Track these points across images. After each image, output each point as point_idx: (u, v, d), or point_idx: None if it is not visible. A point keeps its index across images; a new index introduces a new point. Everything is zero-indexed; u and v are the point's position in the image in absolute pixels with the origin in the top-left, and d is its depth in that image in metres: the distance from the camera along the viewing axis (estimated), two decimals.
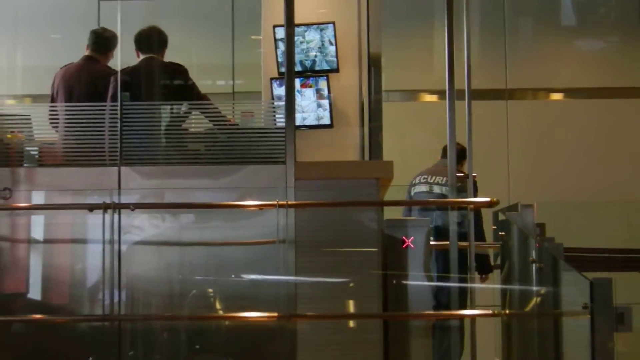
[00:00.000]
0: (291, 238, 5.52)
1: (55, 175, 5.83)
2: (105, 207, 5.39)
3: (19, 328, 5.79)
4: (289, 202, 5.49)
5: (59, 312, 5.68)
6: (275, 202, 5.43)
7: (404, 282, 5.69)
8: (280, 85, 6.99)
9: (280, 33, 6.84)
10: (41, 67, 8.59)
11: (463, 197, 5.59)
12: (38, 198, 5.82)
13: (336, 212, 5.69)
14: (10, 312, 5.67)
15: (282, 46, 6.86)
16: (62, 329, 5.74)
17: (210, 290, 5.75)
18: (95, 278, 5.63)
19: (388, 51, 9.60)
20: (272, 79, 7.19)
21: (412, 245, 5.68)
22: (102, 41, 6.70)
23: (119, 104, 5.91)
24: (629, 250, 7.26)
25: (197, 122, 6.27)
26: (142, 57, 6.41)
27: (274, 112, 6.35)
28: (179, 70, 6.39)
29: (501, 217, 5.26)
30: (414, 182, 7.23)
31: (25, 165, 5.91)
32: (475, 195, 5.87)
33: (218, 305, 5.68)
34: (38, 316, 5.70)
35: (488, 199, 5.29)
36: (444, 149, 7.13)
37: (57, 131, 6.20)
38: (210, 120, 6.23)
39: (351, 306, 5.61)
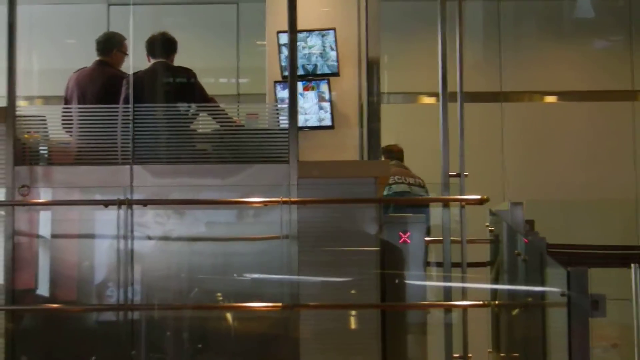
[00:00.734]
0: (294, 233, 5.61)
1: (70, 173, 5.90)
2: (119, 203, 5.50)
3: (38, 319, 5.93)
4: (292, 199, 5.59)
5: (75, 303, 5.81)
6: (279, 199, 5.54)
7: (401, 275, 5.83)
8: (283, 88, 7.11)
9: (284, 39, 6.98)
10: (52, 69, 8.73)
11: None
12: (54, 195, 5.89)
13: (336, 209, 5.76)
14: (28, 303, 5.79)
15: (285, 51, 7.03)
16: (78, 318, 5.86)
17: (218, 282, 5.82)
18: (109, 270, 5.75)
19: (389, 55, 9.61)
20: (275, 82, 7.32)
21: (409, 240, 5.82)
22: (103, 43, 6.80)
23: (131, 105, 5.99)
24: (620, 247, 7.36)
25: (204, 123, 6.35)
26: (152, 61, 6.51)
27: (278, 113, 6.43)
28: (187, 74, 6.45)
29: (491, 214, 5.47)
30: (391, 181, 7.33)
31: (41, 164, 5.98)
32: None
33: (225, 296, 5.77)
34: (54, 305, 5.80)
35: (479, 197, 5.41)
36: (386, 151, 7.31)
37: (67, 132, 6.26)
38: (217, 122, 6.30)
39: (351, 297, 5.70)
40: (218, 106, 6.46)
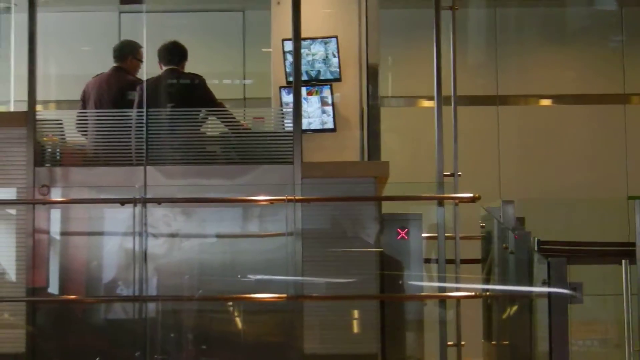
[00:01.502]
0: (299, 229, 5.79)
1: (87, 174, 6.07)
2: (135, 201, 5.68)
3: (55, 310, 6.09)
4: (297, 198, 5.79)
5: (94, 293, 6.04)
6: (284, 198, 5.73)
7: (399, 268, 5.98)
8: (288, 93, 7.12)
9: (289, 46, 6.99)
10: (64, 75, 8.87)
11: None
12: (72, 194, 6.05)
13: (338, 207, 5.94)
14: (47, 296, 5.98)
15: (290, 58, 7.04)
16: (93, 310, 6.05)
17: (227, 275, 5.95)
18: (124, 264, 5.94)
19: (390, 61, 9.64)
20: (281, 87, 7.35)
21: (406, 237, 5.99)
22: (119, 50, 6.94)
23: (144, 110, 6.15)
24: (612, 243, 7.56)
25: (213, 127, 6.47)
26: (164, 68, 6.66)
27: (283, 117, 6.54)
28: (197, 80, 6.61)
29: (483, 211, 5.68)
30: None
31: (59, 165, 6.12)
32: None
33: (234, 288, 5.91)
34: (72, 297, 6.02)
35: (471, 195, 5.59)
36: None
37: (82, 134, 6.40)
38: (225, 125, 6.43)
39: (351, 289, 5.85)
40: (226, 110, 6.58)
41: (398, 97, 9.92)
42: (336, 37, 7.28)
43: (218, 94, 6.76)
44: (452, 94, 5.95)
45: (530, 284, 4.78)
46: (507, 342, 5.36)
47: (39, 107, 6.42)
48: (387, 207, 6.35)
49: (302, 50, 6.71)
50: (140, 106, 6.31)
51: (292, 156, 6.00)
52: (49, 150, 6.19)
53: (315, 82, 7.35)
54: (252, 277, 5.87)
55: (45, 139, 6.20)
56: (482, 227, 5.81)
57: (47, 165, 6.11)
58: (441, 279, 5.79)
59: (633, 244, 5.61)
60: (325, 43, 7.31)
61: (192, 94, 6.60)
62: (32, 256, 5.95)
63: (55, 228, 6.10)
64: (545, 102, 10.16)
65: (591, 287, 6.51)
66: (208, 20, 9.71)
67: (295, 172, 5.97)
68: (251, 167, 6.10)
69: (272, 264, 5.91)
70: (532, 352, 4.82)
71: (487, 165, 9.68)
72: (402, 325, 6.08)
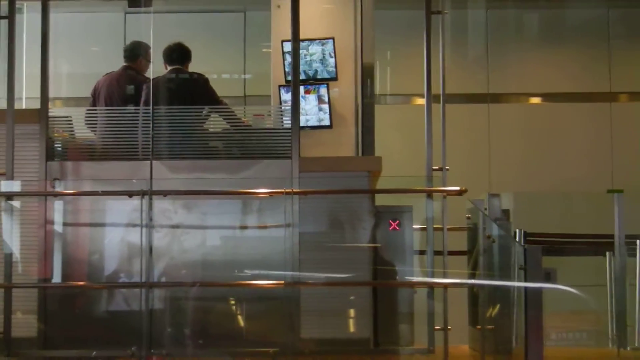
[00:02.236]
0: (296, 220, 5.94)
1: (96, 168, 6.23)
2: (142, 193, 5.81)
3: (65, 297, 6.22)
4: (295, 190, 5.94)
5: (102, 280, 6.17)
6: (283, 190, 5.88)
7: (390, 257, 6.15)
8: (287, 91, 7.22)
9: (288, 47, 7.11)
10: (71, 74, 9.17)
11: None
12: (82, 187, 6.20)
13: (334, 199, 6.10)
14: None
15: (289, 58, 7.15)
16: (102, 297, 6.20)
17: (228, 264, 6.13)
18: (130, 253, 6.08)
19: (385, 60, 9.95)
20: (280, 86, 7.49)
21: (398, 228, 6.16)
22: (130, 50, 7.05)
23: (151, 107, 6.28)
24: (598, 235, 7.37)
25: (215, 123, 6.59)
26: (169, 68, 6.80)
27: (282, 114, 6.62)
28: (200, 79, 6.74)
29: (469, 205, 5.87)
30: None
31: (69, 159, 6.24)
32: None
33: (235, 276, 6.04)
34: (80, 283, 6.15)
35: (458, 188, 5.72)
36: None
37: (92, 130, 6.50)
38: (227, 122, 6.57)
39: (345, 276, 6.00)
40: (228, 107, 6.70)
41: (395, 94, 10.15)
42: (333, 38, 7.42)
43: (220, 92, 6.85)
44: (441, 92, 6.06)
45: (511, 271, 4.98)
46: (491, 327, 5.59)
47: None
48: (380, 200, 6.46)
49: (301, 51, 6.78)
50: (146, 104, 6.44)
51: (291, 151, 6.13)
52: (60, 145, 6.33)
53: (313, 81, 7.47)
54: (249, 271, 6.04)
55: (56, 134, 6.33)
56: (468, 218, 5.98)
57: (58, 159, 6.24)
58: (429, 266, 5.95)
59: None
60: (323, 44, 7.44)
61: (196, 92, 6.68)
62: (44, 246, 6.09)
63: (66, 219, 6.23)
64: (535, 100, 10.35)
65: (583, 278, 6.75)
66: (210, 21, 9.89)
67: (293, 166, 6.10)
68: (251, 161, 6.23)
69: (272, 253, 6.04)
70: (513, 335, 5.03)
71: (478, 160, 9.83)
72: (393, 311, 6.22)
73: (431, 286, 5.92)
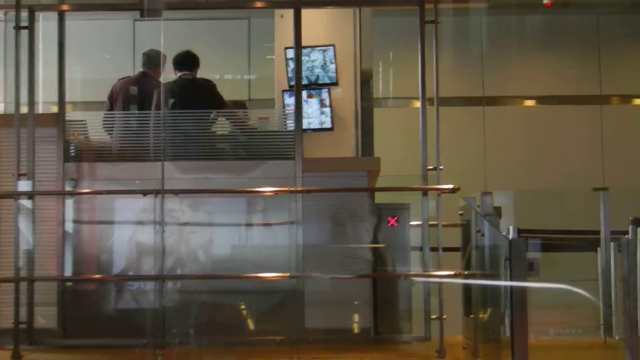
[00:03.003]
0: (300, 217, 6.08)
1: (111, 169, 6.38)
2: (156, 192, 5.92)
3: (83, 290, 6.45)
4: (298, 189, 6.09)
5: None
6: (287, 189, 6.03)
7: (389, 251, 6.35)
8: (290, 96, 7.36)
9: (290, 54, 7.24)
10: (82, 79, 9.29)
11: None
12: (98, 187, 6.35)
13: (335, 197, 6.26)
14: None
15: (291, 64, 7.27)
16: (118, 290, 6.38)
17: (236, 259, 6.32)
18: (147, 247, 6.18)
19: (387, 65, 10.13)
20: (283, 90, 7.68)
21: (396, 224, 6.36)
22: (151, 58, 7.19)
23: (162, 111, 6.45)
24: (589, 232, 7.30)
25: (222, 127, 6.75)
26: (179, 74, 6.97)
27: (285, 118, 6.75)
28: (209, 85, 6.92)
29: (461, 202, 6.00)
30: None
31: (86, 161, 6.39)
32: None
33: (243, 269, 6.21)
34: (97, 276, 6.33)
35: (451, 186, 5.89)
36: None
37: (108, 133, 6.65)
38: (233, 125, 6.72)
39: (347, 269, 6.17)
40: (234, 111, 6.89)
41: (395, 98, 10.38)
42: (333, 45, 7.61)
43: (226, 96, 7.05)
44: (435, 96, 6.20)
45: (500, 263, 5.06)
46: (484, 315, 5.70)
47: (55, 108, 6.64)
48: (380, 198, 6.66)
49: (303, 58, 6.91)
50: (157, 108, 6.59)
51: (294, 153, 6.29)
52: (76, 147, 6.47)
53: (315, 86, 7.63)
54: (256, 266, 6.18)
55: (72, 137, 6.50)
56: (461, 214, 6.13)
57: (75, 161, 6.40)
58: (425, 260, 6.14)
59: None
60: (324, 51, 7.60)
61: (204, 97, 6.81)
62: (62, 242, 6.29)
63: (83, 218, 6.42)
64: (530, 102, 10.55)
65: (578, 273, 6.96)
66: (219, 30, 10.07)
67: (296, 166, 6.27)
68: (257, 162, 6.38)
69: (277, 248, 6.22)
70: (503, 324, 5.16)
71: (474, 160, 10.05)
72: (392, 302, 6.40)
73: (427, 278, 6.09)
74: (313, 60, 7.64)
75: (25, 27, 6.29)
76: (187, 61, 7.05)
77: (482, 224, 5.63)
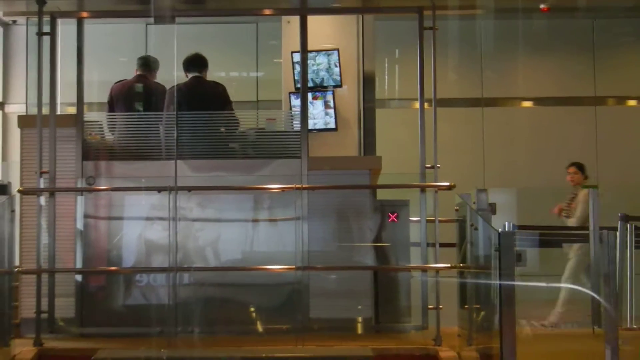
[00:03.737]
0: (305, 212, 6.27)
1: (126, 167, 6.54)
2: (170, 189, 6.10)
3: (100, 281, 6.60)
4: (304, 186, 6.27)
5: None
6: (293, 186, 6.21)
7: (390, 245, 6.53)
8: (296, 97, 7.56)
9: (297, 57, 7.43)
10: (94, 81, 9.12)
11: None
12: (115, 184, 6.48)
13: (339, 194, 6.44)
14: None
15: (298, 68, 7.44)
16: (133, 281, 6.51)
17: (245, 252, 6.52)
18: (160, 241, 6.36)
19: (391, 67, 10.30)
20: (290, 93, 7.87)
21: (396, 220, 6.55)
22: (148, 63, 7.30)
23: (174, 112, 6.55)
24: (581, 228, 7.91)
25: (231, 127, 6.80)
26: (189, 76, 7.02)
27: (292, 118, 6.92)
28: (218, 86, 6.99)
29: (457, 199, 6.21)
30: None
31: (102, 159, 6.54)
32: None
33: (252, 261, 6.40)
34: (112, 268, 6.48)
35: (448, 183, 6.11)
36: None
37: (112, 133, 6.78)
38: (242, 126, 6.84)
39: (349, 261, 6.41)
40: (243, 112, 7.06)
41: (399, 99, 10.53)
42: (337, 49, 7.82)
43: (234, 97, 7.15)
44: (433, 97, 6.37)
45: (492, 256, 5.20)
46: (478, 306, 5.87)
47: (70, 109, 6.81)
48: (381, 194, 6.86)
49: (308, 61, 6.98)
50: (169, 109, 6.71)
51: (300, 152, 6.45)
52: (94, 146, 6.64)
53: (320, 88, 7.82)
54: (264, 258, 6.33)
55: (89, 137, 6.67)
56: (457, 210, 6.34)
57: (92, 159, 6.56)
58: (423, 253, 6.35)
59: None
60: (329, 55, 7.82)
61: (214, 98, 6.89)
62: (80, 237, 6.48)
63: (101, 213, 6.59)
64: (527, 103, 10.71)
65: None
66: (225, 31, 10.18)
67: (302, 165, 6.43)
68: (265, 161, 6.56)
69: (284, 241, 6.40)
70: (494, 314, 5.26)
71: (473, 159, 10.23)
72: (392, 293, 6.60)
73: (424, 270, 6.34)
74: (318, 64, 7.80)
75: (47, 34, 6.50)
76: (196, 63, 7.10)
77: (475, 219, 5.80)
